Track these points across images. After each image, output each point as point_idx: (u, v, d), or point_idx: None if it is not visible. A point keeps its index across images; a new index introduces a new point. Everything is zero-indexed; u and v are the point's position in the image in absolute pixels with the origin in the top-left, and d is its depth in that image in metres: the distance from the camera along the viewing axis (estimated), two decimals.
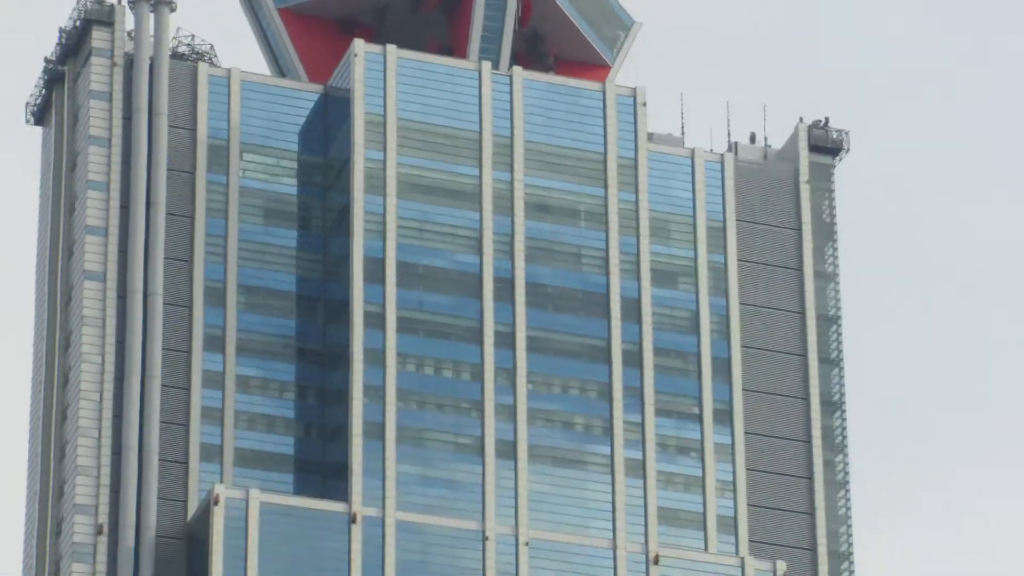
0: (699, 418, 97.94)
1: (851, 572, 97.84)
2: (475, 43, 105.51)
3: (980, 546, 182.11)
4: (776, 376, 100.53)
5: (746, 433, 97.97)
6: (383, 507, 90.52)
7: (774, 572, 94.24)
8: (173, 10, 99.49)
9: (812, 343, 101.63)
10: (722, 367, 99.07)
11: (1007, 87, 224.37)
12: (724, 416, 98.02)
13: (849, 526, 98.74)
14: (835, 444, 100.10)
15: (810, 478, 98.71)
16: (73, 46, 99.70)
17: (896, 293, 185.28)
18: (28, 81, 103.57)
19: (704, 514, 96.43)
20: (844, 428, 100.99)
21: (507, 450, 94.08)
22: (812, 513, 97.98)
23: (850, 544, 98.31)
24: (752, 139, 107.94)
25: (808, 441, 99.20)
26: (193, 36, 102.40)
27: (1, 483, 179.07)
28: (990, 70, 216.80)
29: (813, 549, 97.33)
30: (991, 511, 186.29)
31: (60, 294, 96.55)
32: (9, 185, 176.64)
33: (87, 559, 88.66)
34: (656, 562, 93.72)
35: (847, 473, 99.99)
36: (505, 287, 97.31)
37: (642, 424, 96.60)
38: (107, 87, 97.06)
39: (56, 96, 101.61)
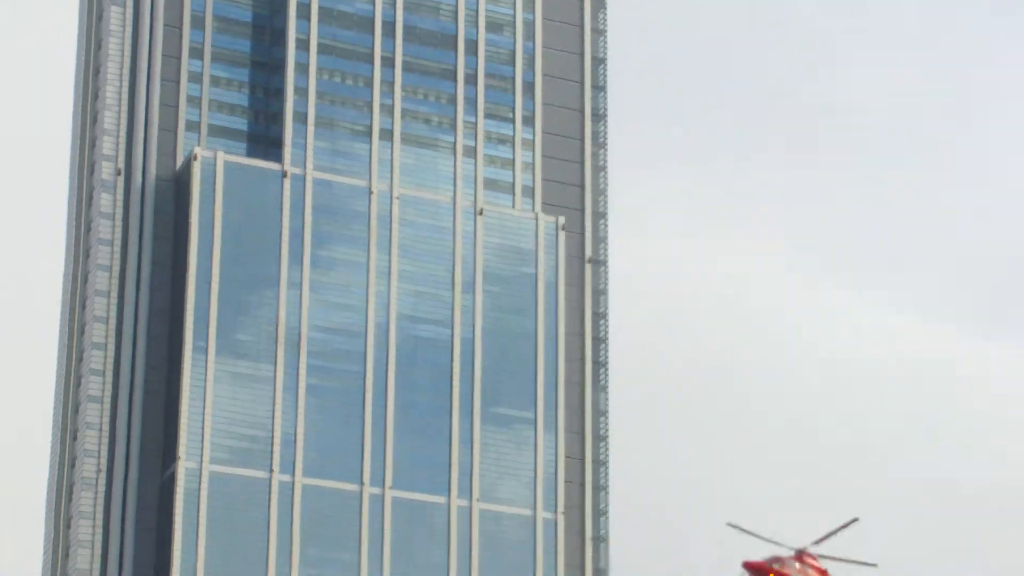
0: (512, 120, 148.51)
1: (606, 227, 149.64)
2: None
3: None
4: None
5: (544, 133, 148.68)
6: (305, 167, 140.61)
7: (556, 224, 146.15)
8: None
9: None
10: (529, 88, 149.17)
11: None
12: (529, 119, 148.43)
13: (606, 197, 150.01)
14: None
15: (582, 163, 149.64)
16: None
17: None
18: None
19: (513, 184, 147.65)
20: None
21: (387, 136, 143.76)
22: (582, 186, 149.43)
23: (606, 207, 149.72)
24: None
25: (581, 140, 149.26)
26: None
27: None
28: None
29: (582, 210, 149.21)
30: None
31: None
32: None
33: (110, 191, 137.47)
34: (480, 214, 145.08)
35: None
36: (390, 28, 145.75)
37: (475, 123, 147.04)
38: None
39: None
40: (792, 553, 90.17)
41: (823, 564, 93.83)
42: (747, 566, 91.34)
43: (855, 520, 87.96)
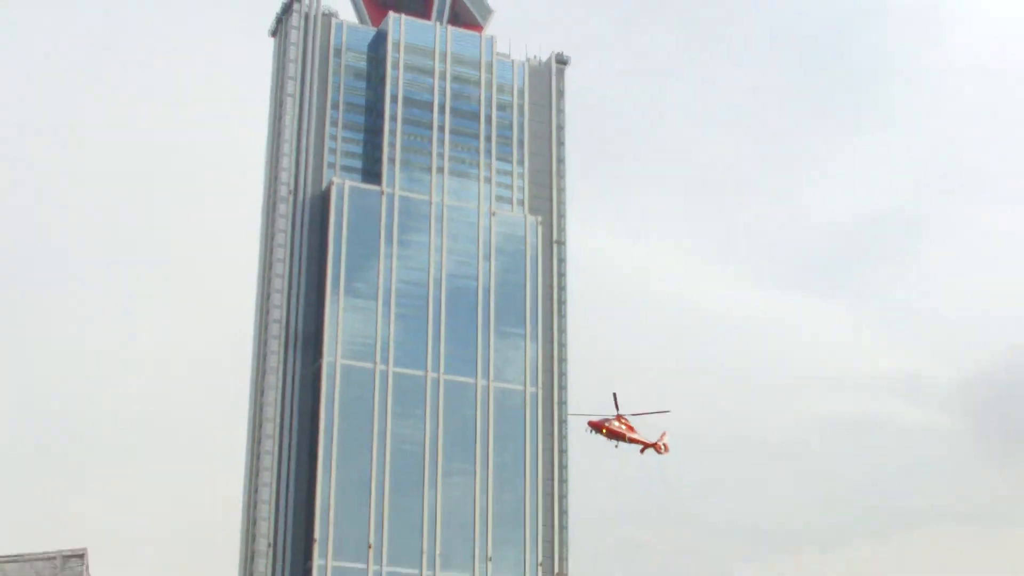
0: (511, 162, 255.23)
1: (565, 223, 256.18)
2: None
3: None
4: None
5: (530, 169, 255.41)
6: (395, 189, 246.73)
7: (536, 221, 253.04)
8: None
9: None
10: (520, 143, 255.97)
11: None
12: (521, 161, 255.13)
13: (565, 206, 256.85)
14: None
15: (551, 187, 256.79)
16: None
17: None
18: None
19: (511, 198, 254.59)
20: None
21: (440, 170, 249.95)
22: (551, 200, 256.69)
23: (565, 212, 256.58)
24: None
25: (550, 174, 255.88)
26: None
27: None
28: None
29: (551, 213, 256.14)
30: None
31: None
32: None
33: (286, 202, 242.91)
34: (493, 215, 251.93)
35: None
36: (442, 108, 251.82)
37: (491, 163, 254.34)
38: None
39: None
40: (614, 415, 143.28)
41: (631, 421, 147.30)
42: (590, 424, 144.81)
43: (667, 411, 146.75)
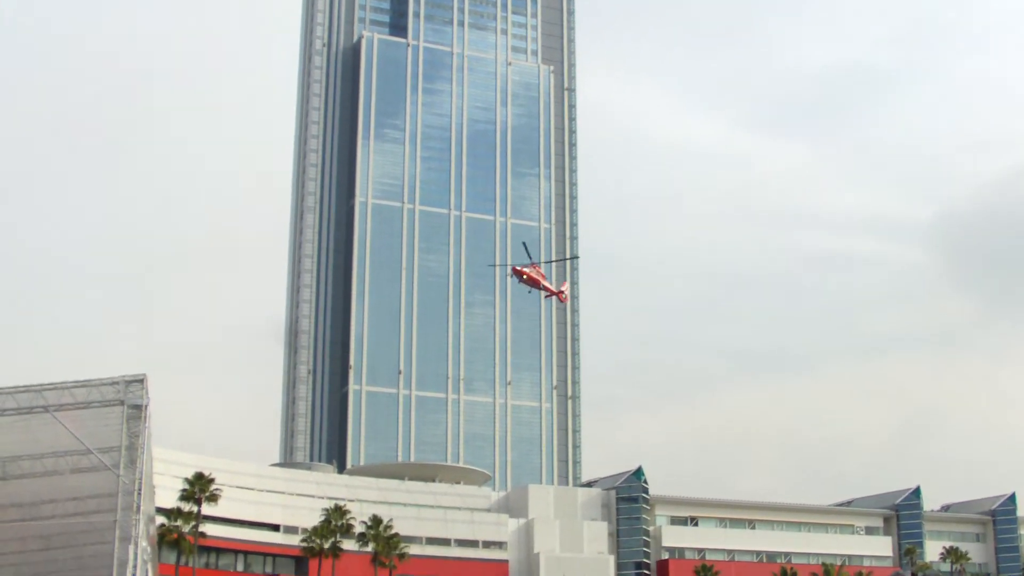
0: (525, 15, 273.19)
1: (575, 72, 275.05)
2: None
3: None
4: None
5: (543, 23, 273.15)
6: (420, 40, 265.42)
7: (549, 70, 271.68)
8: None
9: None
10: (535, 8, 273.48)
11: None
12: (535, 14, 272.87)
13: (575, 55, 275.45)
14: None
15: (563, 39, 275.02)
16: None
17: None
18: None
19: (526, 49, 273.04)
20: None
21: (461, 24, 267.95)
22: (563, 51, 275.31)
23: (575, 62, 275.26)
24: None
25: (562, 27, 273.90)
26: None
27: None
28: None
29: (563, 63, 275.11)
30: None
31: None
32: None
33: (321, 55, 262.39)
34: (510, 64, 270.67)
35: None
36: None
37: (507, 16, 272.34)
38: None
39: None
40: (529, 263, 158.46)
41: (543, 270, 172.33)
42: (513, 270, 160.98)
43: (576, 257, 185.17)
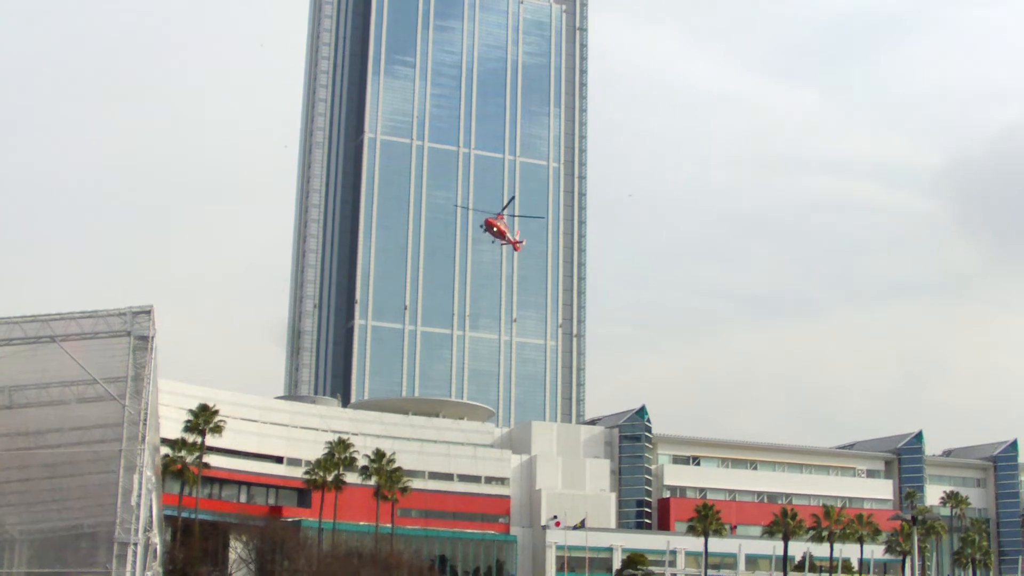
0: None
1: (586, 11, 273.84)
2: None
3: None
4: None
5: None
6: None
7: (562, 9, 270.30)
8: None
9: None
10: None
11: None
12: None
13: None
14: None
15: None
16: None
17: None
18: None
19: None
20: None
21: None
22: None
23: (587, 2, 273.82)
24: None
25: None
26: None
27: None
28: None
29: (575, 2, 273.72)
30: None
31: None
32: None
33: None
34: (522, 3, 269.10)
35: None
36: None
37: None
38: None
39: None
40: (496, 214, 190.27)
41: (510, 223, 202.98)
42: (486, 221, 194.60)
43: (541, 217, 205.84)
